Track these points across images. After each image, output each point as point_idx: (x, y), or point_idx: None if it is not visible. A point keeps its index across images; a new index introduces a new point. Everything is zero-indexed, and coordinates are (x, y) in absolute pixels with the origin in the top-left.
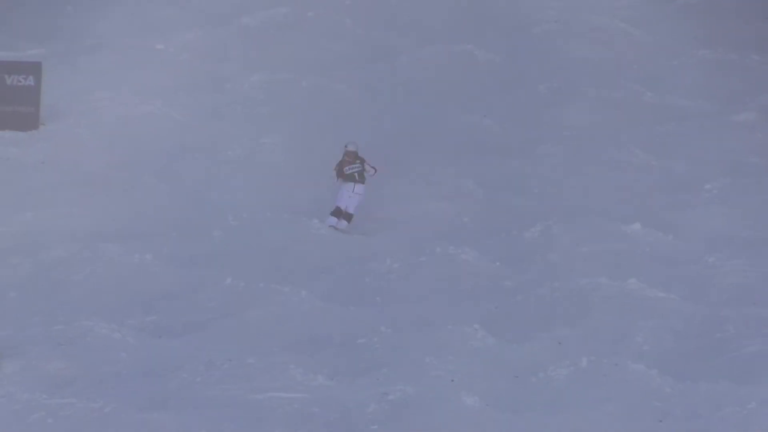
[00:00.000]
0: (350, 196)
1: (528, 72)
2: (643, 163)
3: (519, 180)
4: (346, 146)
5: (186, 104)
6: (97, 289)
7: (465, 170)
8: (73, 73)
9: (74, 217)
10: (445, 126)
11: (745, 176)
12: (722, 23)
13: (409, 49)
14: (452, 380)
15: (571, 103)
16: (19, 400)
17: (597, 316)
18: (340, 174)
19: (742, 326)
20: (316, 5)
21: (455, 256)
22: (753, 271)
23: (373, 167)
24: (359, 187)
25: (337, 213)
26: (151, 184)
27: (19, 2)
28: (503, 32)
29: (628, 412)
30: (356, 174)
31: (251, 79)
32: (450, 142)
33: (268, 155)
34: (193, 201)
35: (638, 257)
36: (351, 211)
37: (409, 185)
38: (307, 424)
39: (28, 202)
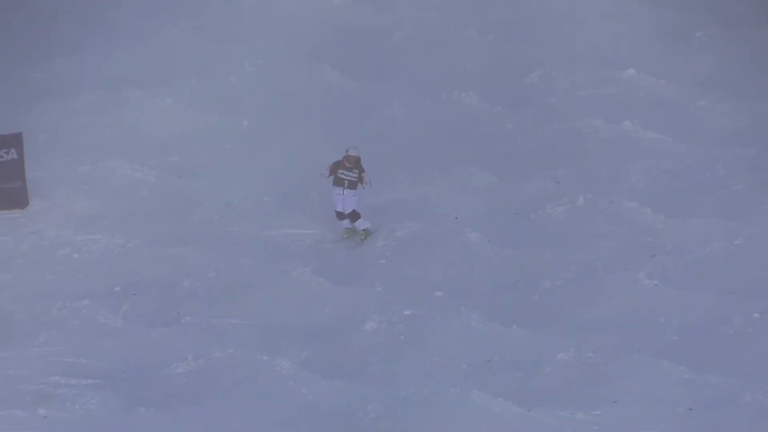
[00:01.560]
0: (343, 199)
1: None
2: (637, 12)
3: (519, 28)
4: (347, 150)
5: None
6: (121, 132)
7: (467, 19)
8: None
9: (102, 62)
10: None
11: (734, 25)
12: None
13: None
14: (456, 217)
15: None
16: (47, 237)
17: (593, 156)
18: (332, 172)
19: (731, 166)
20: None
21: (459, 100)
22: (741, 114)
23: (368, 181)
24: (348, 192)
25: (342, 216)
26: (172, 29)
27: None
28: None
29: (622, 246)
30: (346, 181)
31: None
32: None
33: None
34: (211, 49)
35: (632, 101)
36: (351, 209)
37: None
38: (319, 258)
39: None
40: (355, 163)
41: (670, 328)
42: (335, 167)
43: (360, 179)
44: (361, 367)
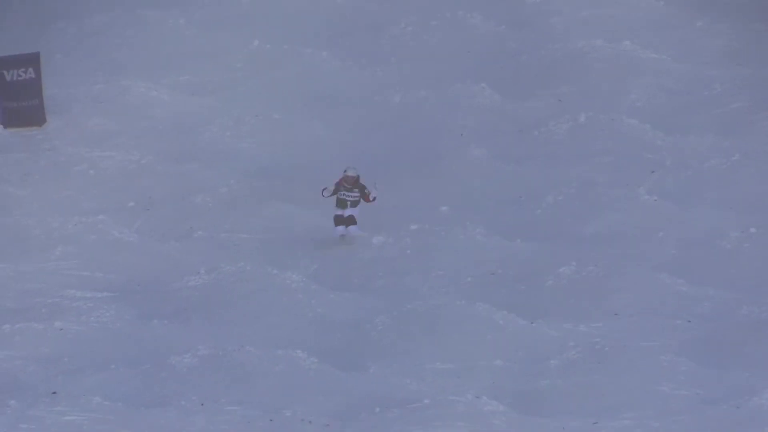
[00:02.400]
0: (344, 212)
1: None
2: None
3: None
4: (345, 171)
5: None
6: (135, 52)
7: None
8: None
9: None
10: None
11: None
12: None
13: None
14: (461, 134)
15: None
16: (64, 153)
17: (594, 75)
18: (335, 191)
19: (728, 84)
20: None
21: (464, 20)
22: (737, 34)
23: (374, 197)
24: (350, 210)
25: (339, 221)
26: None
27: None
28: None
29: (622, 162)
30: (349, 202)
31: None
32: None
33: None
34: None
35: (632, 21)
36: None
37: None
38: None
39: None
40: (355, 183)
41: (669, 242)
42: (336, 188)
43: (364, 197)
44: (369, 280)
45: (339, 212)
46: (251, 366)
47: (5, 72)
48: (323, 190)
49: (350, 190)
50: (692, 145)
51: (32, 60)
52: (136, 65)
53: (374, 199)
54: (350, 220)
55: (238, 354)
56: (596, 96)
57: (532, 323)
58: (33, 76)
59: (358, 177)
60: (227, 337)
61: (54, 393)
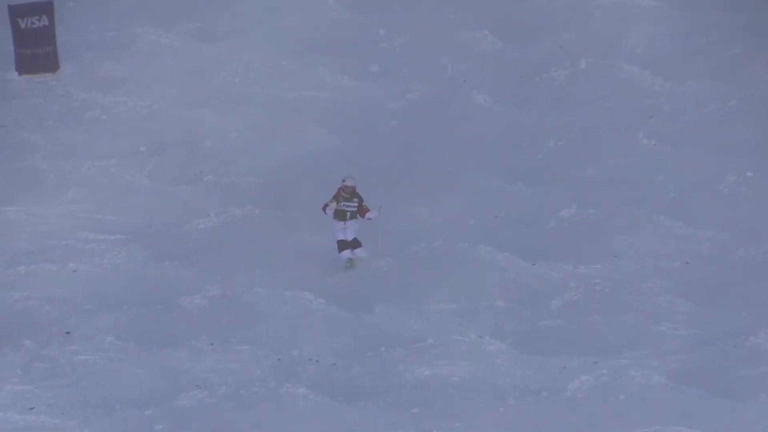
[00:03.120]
0: (344, 228)
1: None
2: None
3: None
4: (344, 180)
5: None
6: (146, 0)
7: None
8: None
9: None
10: None
11: None
12: None
13: None
14: (464, 80)
15: None
16: (77, 99)
17: (594, 22)
18: (335, 202)
19: (726, 31)
20: None
21: None
22: None
23: (370, 217)
24: (350, 222)
25: (344, 246)
26: None
27: None
28: None
29: (622, 108)
30: (348, 213)
31: None
32: None
33: None
34: None
35: None
36: (352, 238)
37: None
38: (334, 119)
39: None
40: (353, 193)
41: (668, 185)
42: (335, 200)
43: (361, 210)
44: (373, 223)
45: (341, 235)
46: (260, 307)
47: (20, 20)
48: (325, 207)
49: (349, 199)
50: (690, 90)
51: (46, 8)
52: (147, 12)
53: (370, 219)
54: (355, 243)
55: (247, 295)
56: (597, 42)
57: (533, 265)
58: (47, 23)
59: (355, 186)
60: (236, 279)
61: (68, 333)
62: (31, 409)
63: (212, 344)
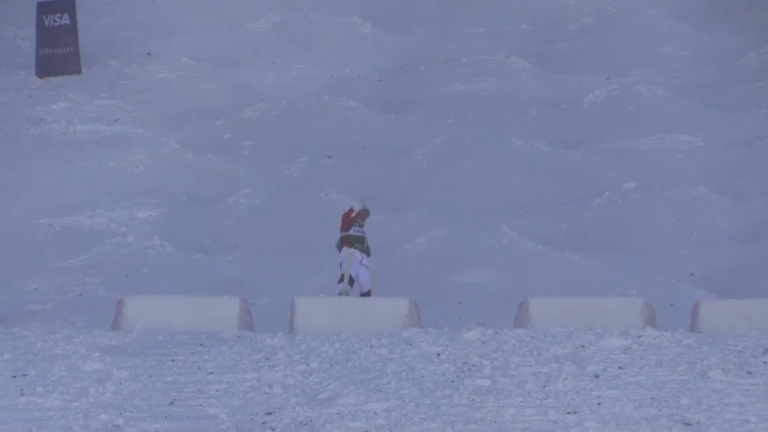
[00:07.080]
0: (359, 265)
1: None
2: None
3: None
4: (363, 203)
5: None
6: None
7: None
8: None
9: None
10: None
11: None
12: None
13: None
14: None
15: None
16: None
17: None
18: (343, 228)
19: None
20: None
21: None
22: None
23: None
24: (366, 259)
25: (348, 280)
26: None
27: None
28: None
29: None
30: (357, 240)
31: None
32: None
33: None
34: None
35: None
36: (365, 287)
37: None
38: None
39: None
40: (365, 218)
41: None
42: (348, 222)
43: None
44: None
45: (352, 272)
46: (315, 30)
47: (44, 17)
48: (341, 247)
49: (362, 226)
50: None
51: (67, 6)
52: None
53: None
54: (367, 295)
55: (304, 20)
56: None
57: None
58: (68, 22)
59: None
60: (294, 5)
61: (148, 54)
62: (116, 120)
63: (274, 63)
